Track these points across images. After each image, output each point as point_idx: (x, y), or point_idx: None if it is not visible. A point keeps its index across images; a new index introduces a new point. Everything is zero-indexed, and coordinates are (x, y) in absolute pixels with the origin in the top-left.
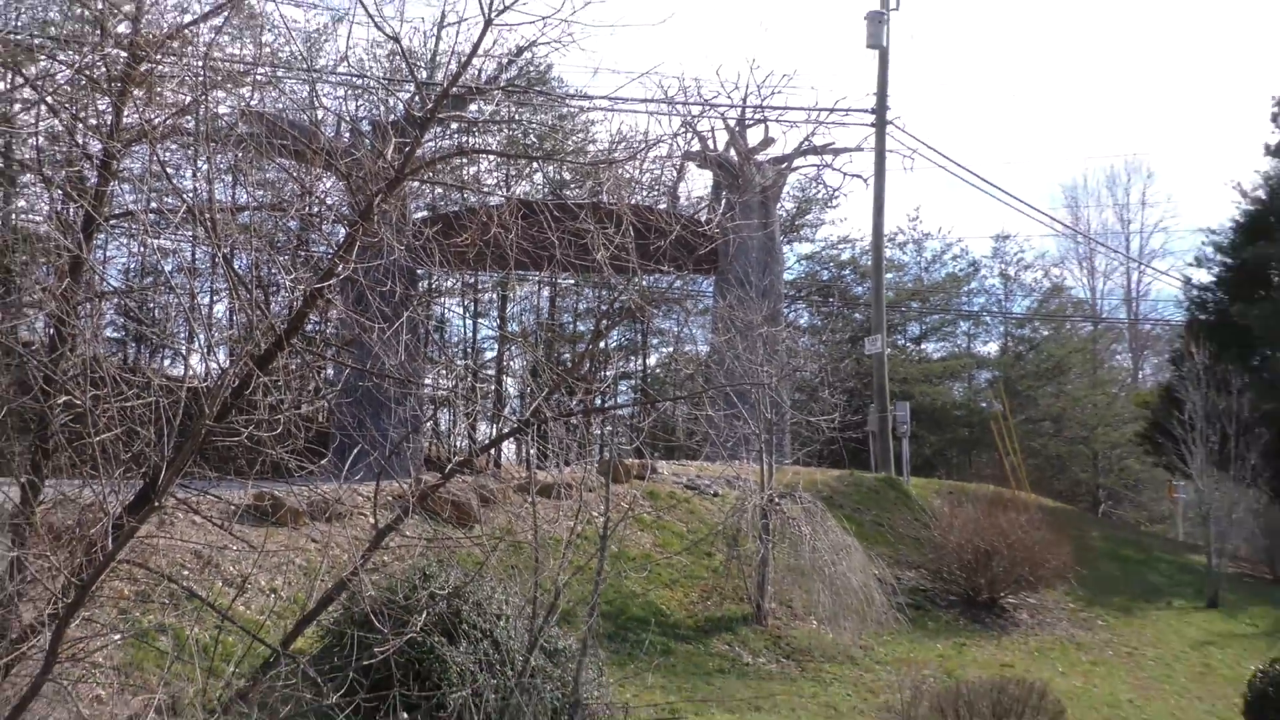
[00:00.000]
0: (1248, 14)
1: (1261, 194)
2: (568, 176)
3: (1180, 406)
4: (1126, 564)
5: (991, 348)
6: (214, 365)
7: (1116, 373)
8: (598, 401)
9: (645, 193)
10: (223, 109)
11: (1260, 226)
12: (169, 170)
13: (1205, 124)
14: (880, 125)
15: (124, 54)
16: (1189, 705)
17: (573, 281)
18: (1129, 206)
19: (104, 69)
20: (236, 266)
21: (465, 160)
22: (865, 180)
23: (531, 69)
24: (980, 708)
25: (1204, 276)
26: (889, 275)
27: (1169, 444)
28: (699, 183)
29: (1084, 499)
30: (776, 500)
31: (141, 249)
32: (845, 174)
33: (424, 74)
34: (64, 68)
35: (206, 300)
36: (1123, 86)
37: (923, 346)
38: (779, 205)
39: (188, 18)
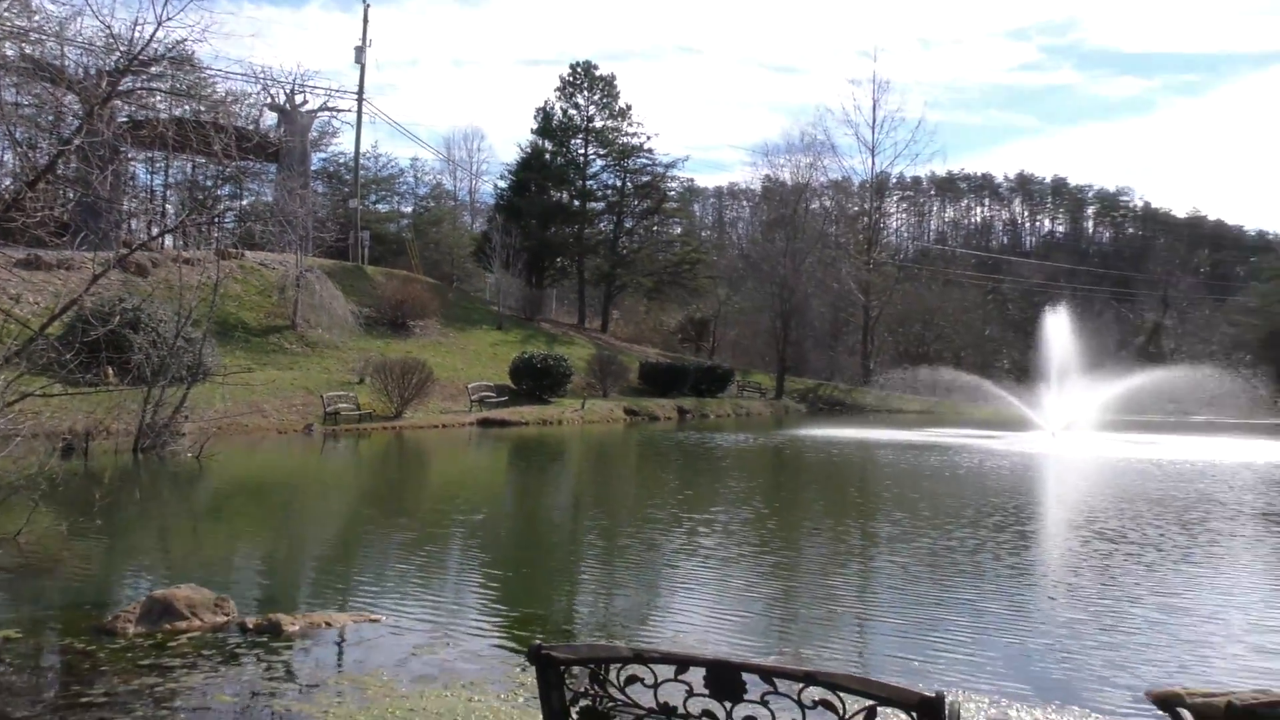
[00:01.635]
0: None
1: (529, 150)
2: (203, 108)
3: (490, 241)
4: (464, 309)
5: (408, 209)
6: (5, 186)
7: (466, 224)
8: (216, 220)
9: (243, 120)
10: (10, 51)
11: (525, 164)
12: None
13: (520, 110)
14: (359, 100)
15: None
16: (488, 370)
17: (203, 159)
18: (474, 149)
19: None
20: (18, 136)
21: (146, 93)
22: (352, 125)
23: (184, 51)
24: (395, 369)
25: (504, 184)
26: (363, 171)
27: (484, 257)
28: (270, 117)
29: (447, 279)
30: (304, 272)
31: None
32: (343, 121)
33: (126, 47)
34: None
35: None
36: (478, 85)
37: (378, 205)
38: (310, 132)
39: None
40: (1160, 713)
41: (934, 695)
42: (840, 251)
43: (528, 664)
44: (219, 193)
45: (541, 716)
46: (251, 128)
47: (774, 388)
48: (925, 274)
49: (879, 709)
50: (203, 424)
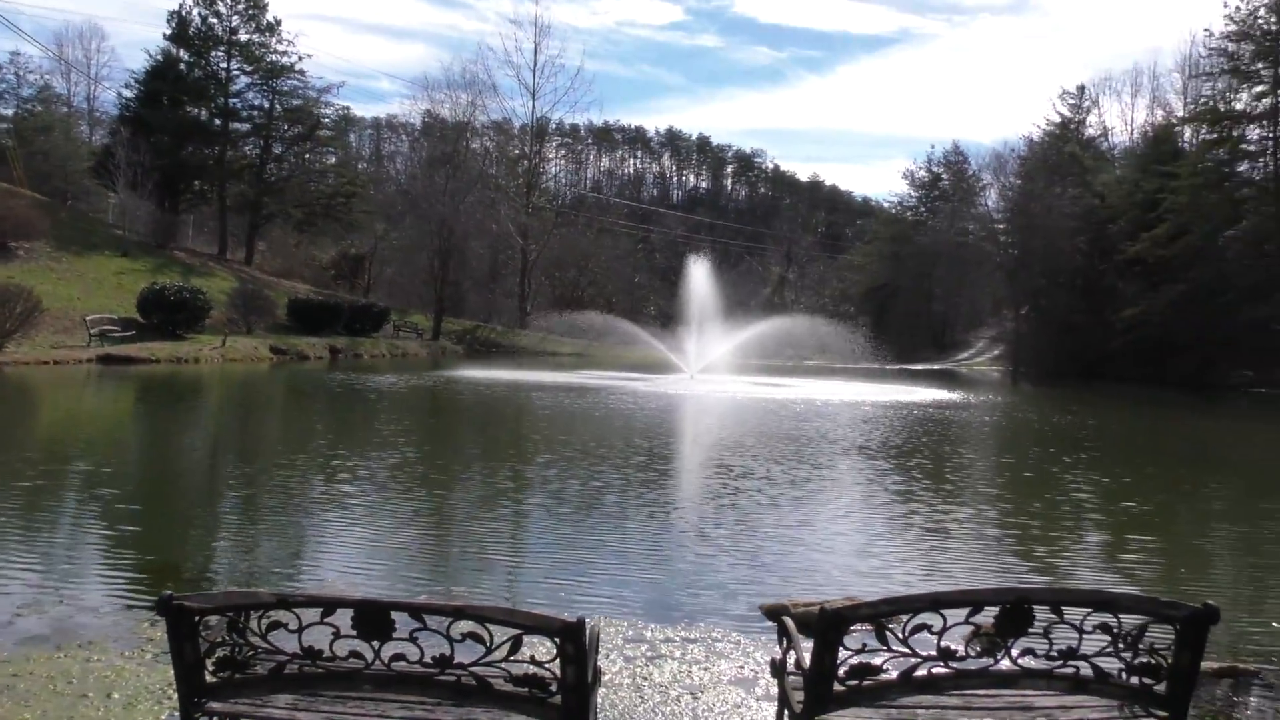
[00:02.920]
0: None
1: (160, 58)
2: None
3: (114, 157)
4: (82, 231)
5: (8, 111)
6: None
7: (83, 135)
8: None
9: None
10: None
11: (156, 73)
12: None
13: (148, 11)
14: None
15: None
16: (111, 301)
17: None
18: (93, 50)
19: None
20: None
21: None
22: None
23: None
24: None
25: (130, 94)
26: None
27: (107, 174)
28: None
29: (60, 195)
30: None
31: None
32: None
33: None
34: None
35: None
36: None
37: None
38: None
39: None
40: (769, 622)
41: (575, 621)
42: (500, 193)
43: (156, 618)
44: None
45: (174, 672)
46: None
47: (431, 328)
48: (581, 220)
49: (525, 637)
50: None
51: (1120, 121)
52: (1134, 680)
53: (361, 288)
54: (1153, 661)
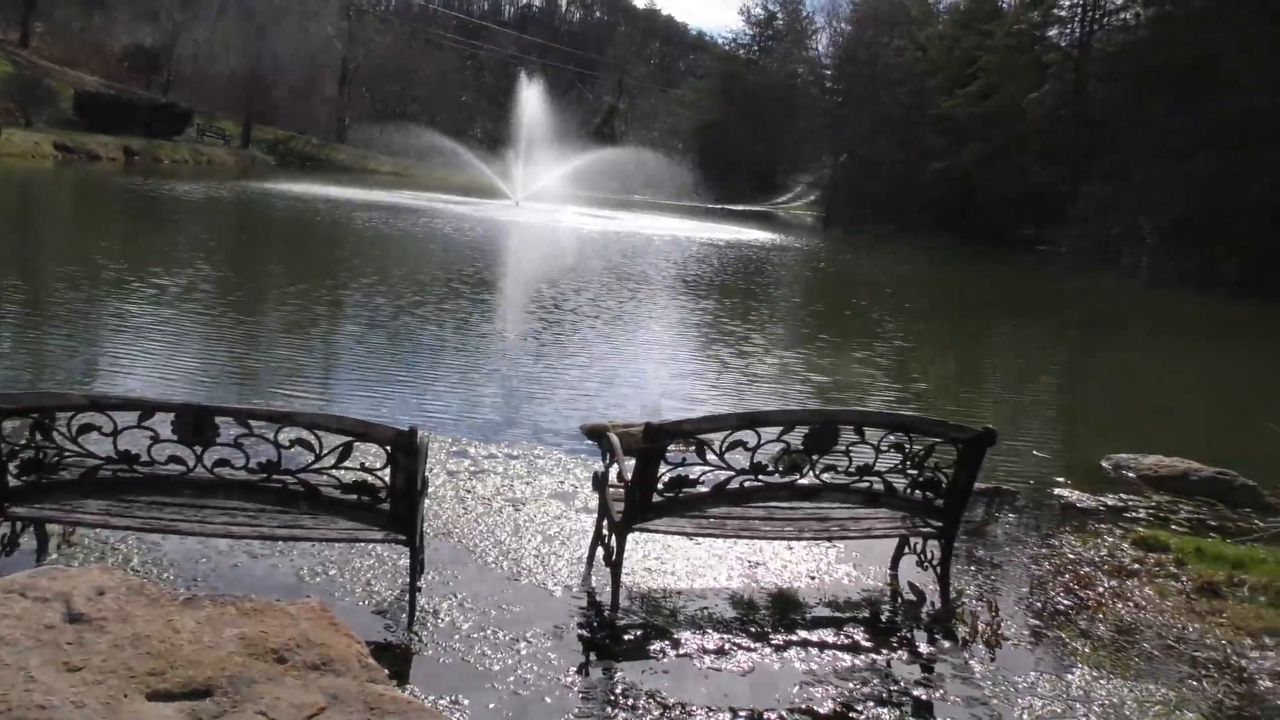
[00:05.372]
0: None
1: None
2: None
3: None
4: None
5: None
6: None
7: None
8: None
9: None
10: None
11: None
12: None
13: None
14: None
15: None
16: None
17: None
18: None
19: None
20: None
21: None
22: None
23: None
24: None
25: None
26: None
27: None
28: None
29: None
30: None
31: None
32: None
33: None
34: None
35: None
36: None
37: None
38: None
39: None
40: (589, 442)
41: (407, 430)
42: None
43: None
44: None
45: None
46: None
47: (240, 135)
48: (406, 30)
49: (356, 444)
50: None
51: None
52: (918, 494)
53: (160, 85)
54: (936, 478)
